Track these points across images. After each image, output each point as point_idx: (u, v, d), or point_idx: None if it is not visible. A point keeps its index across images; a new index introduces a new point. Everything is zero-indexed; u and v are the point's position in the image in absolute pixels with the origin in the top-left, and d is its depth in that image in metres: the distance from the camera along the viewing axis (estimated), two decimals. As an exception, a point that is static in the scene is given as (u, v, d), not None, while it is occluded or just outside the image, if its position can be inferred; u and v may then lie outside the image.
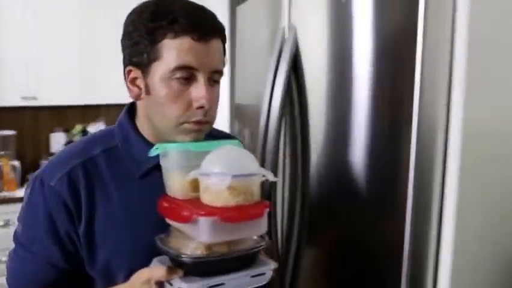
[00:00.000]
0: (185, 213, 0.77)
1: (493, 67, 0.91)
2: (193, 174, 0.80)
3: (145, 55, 0.83)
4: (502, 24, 0.91)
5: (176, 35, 0.81)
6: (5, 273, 0.96)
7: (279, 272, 1.29)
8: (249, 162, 0.80)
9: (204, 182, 0.79)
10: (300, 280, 1.32)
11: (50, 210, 0.88)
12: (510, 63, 0.92)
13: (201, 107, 0.83)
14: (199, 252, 0.79)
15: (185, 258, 0.78)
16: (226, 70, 1.07)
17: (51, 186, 0.88)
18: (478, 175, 0.91)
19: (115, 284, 0.89)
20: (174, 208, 0.82)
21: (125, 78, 0.90)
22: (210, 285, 0.77)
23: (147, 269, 0.82)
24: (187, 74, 0.82)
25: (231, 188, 0.76)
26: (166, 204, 0.86)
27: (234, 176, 0.76)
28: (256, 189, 0.80)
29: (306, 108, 1.24)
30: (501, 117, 0.93)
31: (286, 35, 1.29)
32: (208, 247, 0.79)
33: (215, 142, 0.86)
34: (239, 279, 0.80)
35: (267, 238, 0.86)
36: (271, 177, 0.80)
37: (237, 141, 0.91)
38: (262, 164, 1.30)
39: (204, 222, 0.75)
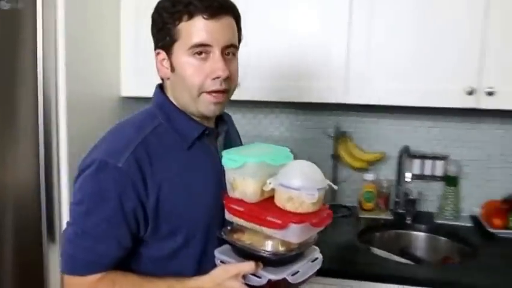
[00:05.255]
0: (279, 221, 0.93)
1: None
2: (276, 186, 0.96)
3: (168, 38, 0.97)
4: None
5: (190, 16, 0.94)
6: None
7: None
8: (321, 175, 0.99)
9: (288, 193, 0.95)
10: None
11: (119, 189, 0.94)
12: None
13: (217, 77, 0.97)
14: (283, 249, 0.96)
15: (269, 256, 0.95)
16: None
17: (119, 167, 0.93)
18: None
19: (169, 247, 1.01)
20: (258, 214, 0.96)
21: (156, 61, 1.03)
22: (292, 273, 0.97)
23: (233, 264, 0.97)
24: (203, 50, 0.96)
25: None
26: (240, 208, 0.99)
27: (318, 189, 0.94)
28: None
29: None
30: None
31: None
32: (285, 243, 0.97)
33: (282, 155, 1.02)
34: (306, 265, 1.01)
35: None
36: (334, 186, 1.00)
37: (287, 149, 1.07)
38: None
39: (296, 227, 0.93)
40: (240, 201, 1.00)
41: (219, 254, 1.03)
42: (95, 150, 0.99)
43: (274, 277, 0.95)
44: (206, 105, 1.00)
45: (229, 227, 1.04)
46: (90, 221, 0.96)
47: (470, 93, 1.60)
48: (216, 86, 0.98)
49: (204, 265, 1.02)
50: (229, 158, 0.99)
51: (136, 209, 0.96)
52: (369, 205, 1.98)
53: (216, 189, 1.04)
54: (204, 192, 1.03)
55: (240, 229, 1.03)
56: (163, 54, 1.01)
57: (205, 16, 0.94)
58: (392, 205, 2.02)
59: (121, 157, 0.94)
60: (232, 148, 1.05)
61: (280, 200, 0.97)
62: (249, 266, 0.95)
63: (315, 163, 1.00)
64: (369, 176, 1.98)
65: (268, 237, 0.98)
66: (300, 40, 1.72)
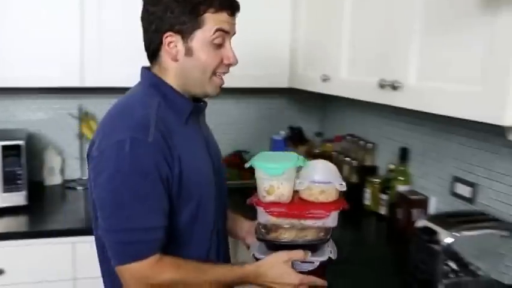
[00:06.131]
0: (323, 211, 1.14)
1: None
2: (309, 184, 1.16)
3: (189, 24, 1.08)
4: None
5: (216, 10, 1.09)
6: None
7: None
8: (336, 169, 1.22)
9: (320, 188, 1.16)
10: None
11: (155, 161, 1.02)
12: None
13: (229, 64, 1.15)
14: (321, 234, 1.16)
15: (316, 242, 1.14)
16: None
17: (150, 141, 1.01)
18: None
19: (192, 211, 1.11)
20: (300, 210, 1.15)
21: (160, 43, 1.10)
22: (331, 252, 1.18)
23: (284, 251, 1.13)
24: (221, 39, 1.10)
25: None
26: (281, 210, 1.16)
27: (343, 180, 1.18)
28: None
29: None
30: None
31: None
32: (321, 230, 1.17)
33: (300, 158, 1.21)
34: (331, 245, 1.22)
35: None
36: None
37: (295, 153, 1.26)
38: None
39: (336, 213, 1.15)
40: (276, 204, 1.17)
41: (260, 255, 1.16)
42: (114, 132, 1.03)
43: (322, 258, 1.15)
44: (215, 87, 1.15)
45: (263, 230, 1.18)
46: (136, 200, 1.01)
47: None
48: (226, 70, 1.16)
49: (216, 235, 1.18)
50: (269, 168, 1.14)
51: (168, 176, 1.04)
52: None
53: (209, 159, 1.19)
54: (206, 162, 1.17)
55: (274, 229, 1.18)
56: (175, 37, 1.08)
57: (229, 12, 1.10)
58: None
59: (148, 132, 1.01)
60: (256, 160, 1.18)
61: (313, 195, 1.17)
62: (299, 253, 1.13)
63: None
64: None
65: (303, 229, 1.17)
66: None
